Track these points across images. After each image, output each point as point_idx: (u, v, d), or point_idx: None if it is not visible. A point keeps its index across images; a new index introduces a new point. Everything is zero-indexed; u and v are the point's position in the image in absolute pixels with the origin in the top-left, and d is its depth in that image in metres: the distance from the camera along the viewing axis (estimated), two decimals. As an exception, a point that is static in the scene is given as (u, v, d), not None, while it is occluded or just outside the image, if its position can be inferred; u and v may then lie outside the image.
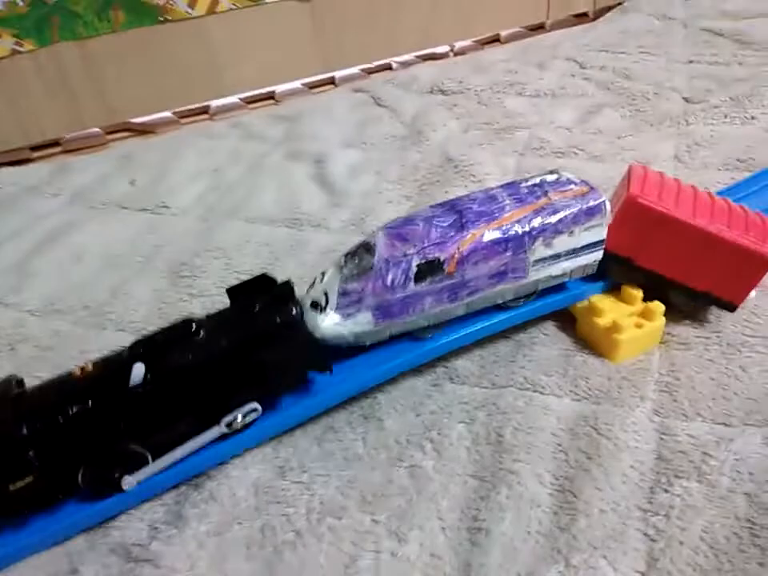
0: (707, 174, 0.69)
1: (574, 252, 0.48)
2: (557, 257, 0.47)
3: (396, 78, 0.98)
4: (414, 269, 0.44)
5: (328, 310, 0.44)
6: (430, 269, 0.44)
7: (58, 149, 0.95)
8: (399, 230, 0.46)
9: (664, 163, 0.71)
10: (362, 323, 0.44)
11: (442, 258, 0.44)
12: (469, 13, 1.13)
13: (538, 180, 0.49)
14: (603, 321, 0.50)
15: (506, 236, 0.45)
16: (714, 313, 0.52)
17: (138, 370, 0.39)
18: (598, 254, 0.49)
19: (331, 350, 0.45)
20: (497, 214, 0.46)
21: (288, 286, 0.43)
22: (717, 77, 0.89)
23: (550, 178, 0.49)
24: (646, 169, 0.52)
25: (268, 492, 0.42)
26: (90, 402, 0.38)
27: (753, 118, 0.78)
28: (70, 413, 0.38)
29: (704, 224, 0.47)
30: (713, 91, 0.85)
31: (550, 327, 0.53)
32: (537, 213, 0.46)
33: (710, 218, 0.48)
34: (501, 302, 0.49)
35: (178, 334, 0.40)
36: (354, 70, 1.09)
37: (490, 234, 0.45)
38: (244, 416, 0.42)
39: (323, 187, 0.74)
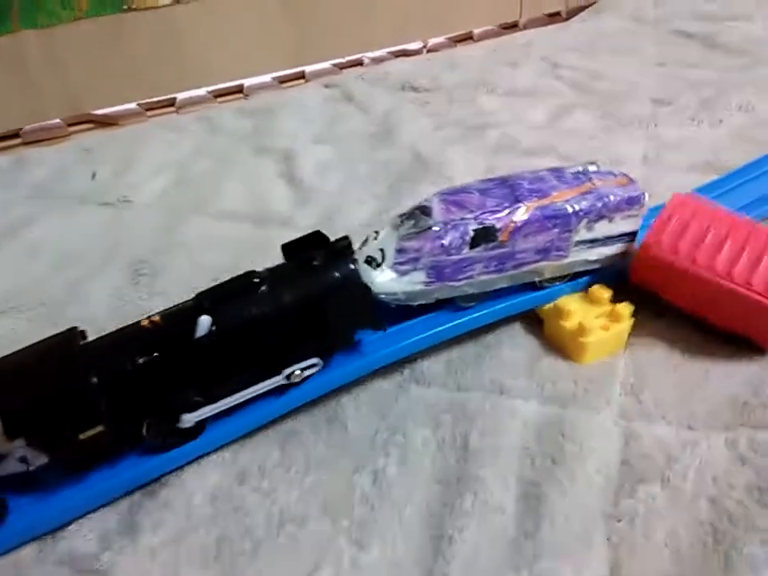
0: (675, 176, 0.69)
1: (610, 239, 0.50)
2: (595, 241, 0.50)
3: (367, 73, 0.97)
4: (471, 233, 0.46)
5: (384, 266, 0.45)
6: (484, 235, 0.46)
7: (17, 140, 0.91)
8: (454, 197, 0.48)
9: (632, 165, 0.71)
10: (415, 282, 0.45)
11: (497, 226, 0.46)
12: (442, 10, 1.12)
13: (581, 168, 0.52)
14: (570, 323, 0.49)
15: (555, 213, 0.47)
16: (681, 317, 0.52)
17: (205, 322, 0.39)
18: (630, 245, 0.51)
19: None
20: (547, 192, 0.48)
21: (346, 240, 0.44)
22: (686, 79, 0.89)
23: (592, 167, 0.52)
24: (685, 200, 0.51)
25: (226, 499, 0.41)
26: (157, 352, 0.38)
27: (721, 120, 0.79)
28: (139, 362, 0.38)
29: (711, 274, 0.46)
30: (682, 93, 0.85)
31: (517, 329, 0.53)
32: (583, 195, 0.48)
33: (729, 261, 0.46)
34: (538, 279, 0.50)
35: (242, 286, 0.41)
36: (326, 64, 1.07)
37: (542, 209, 0.47)
38: (304, 369, 0.43)
39: (291, 184, 0.73)
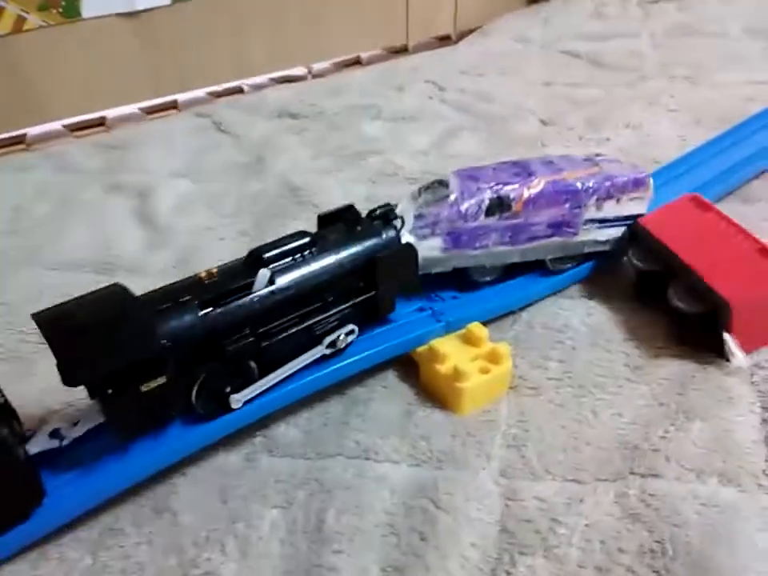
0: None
1: (617, 220, 0.53)
2: (604, 221, 0.53)
3: (242, 101, 0.92)
4: (486, 201, 0.48)
5: (403, 231, 0.47)
6: (499, 204, 0.49)
7: None
8: (470, 173, 0.51)
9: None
10: (432, 248, 0.48)
11: (511, 196, 0.49)
12: (326, 34, 1.09)
13: (587, 156, 0.56)
14: (445, 367, 0.45)
15: (567, 188, 0.50)
16: (566, 351, 0.49)
17: (263, 277, 0.40)
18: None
19: None
20: (559, 170, 0.52)
21: (389, 206, 0.46)
22: (572, 98, 0.89)
23: (599, 157, 0.56)
24: (693, 200, 0.54)
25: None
26: (216, 305, 0.38)
27: (607, 139, 0.78)
28: (199, 314, 0.38)
29: (684, 257, 0.49)
30: (568, 113, 0.85)
31: (390, 377, 0.48)
32: (592, 176, 0.52)
33: (705, 255, 0.48)
34: (550, 258, 0.53)
35: (296, 244, 0.42)
36: (200, 93, 1.02)
37: (554, 184, 0.50)
38: (345, 336, 0.44)
39: (144, 225, 0.66)
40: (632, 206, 0.53)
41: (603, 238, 0.54)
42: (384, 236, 0.45)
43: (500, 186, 0.49)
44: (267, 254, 0.41)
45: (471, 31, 1.20)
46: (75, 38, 0.87)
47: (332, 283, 0.42)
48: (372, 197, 0.69)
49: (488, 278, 0.52)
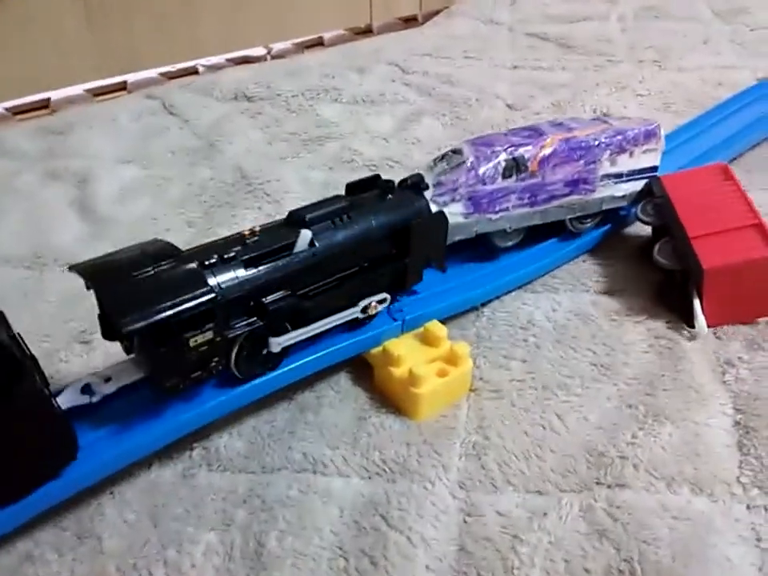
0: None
1: (632, 174, 0.53)
2: (620, 176, 0.53)
3: (195, 82, 0.86)
4: (503, 163, 0.48)
5: None
6: (515, 165, 0.49)
7: None
8: (484, 140, 0.51)
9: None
10: (454, 214, 0.47)
11: (526, 156, 0.49)
12: (286, 13, 1.03)
13: (596, 116, 0.59)
14: (400, 370, 0.41)
15: (579, 144, 0.51)
16: (529, 349, 0.46)
17: (305, 237, 0.40)
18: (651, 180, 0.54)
19: None
20: (570, 129, 0.52)
21: (419, 176, 0.46)
22: (540, 82, 0.86)
23: (607, 117, 0.58)
24: (722, 170, 0.53)
25: None
26: (260, 263, 0.38)
27: (575, 124, 0.75)
28: (245, 270, 0.38)
29: (683, 217, 0.49)
30: (535, 97, 0.81)
31: (342, 381, 0.44)
32: (603, 132, 0.52)
33: (703, 220, 0.49)
34: (570, 217, 0.53)
35: (334, 207, 0.42)
36: (152, 74, 0.96)
37: (567, 142, 0.51)
38: (378, 303, 0.43)
39: (83, 214, 0.61)
40: (645, 158, 0.53)
41: (620, 194, 0.54)
42: (416, 204, 0.45)
43: (514, 148, 0.49)
44: (308, 216, 0.41)
45: (437, 12, 1.16)
46: (17, 14, 0.80)
47: (367, 248, 0.43)
48: (329, 184, 0.65)
49: (510, 243, 0.52)
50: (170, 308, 0.34)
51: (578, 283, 0.52)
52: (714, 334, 0.47)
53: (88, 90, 0.91)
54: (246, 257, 0.38)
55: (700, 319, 0.46)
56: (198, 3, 0.95)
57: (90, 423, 0.36)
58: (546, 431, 0.40)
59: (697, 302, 0.47)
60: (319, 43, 1.10)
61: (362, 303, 0.43)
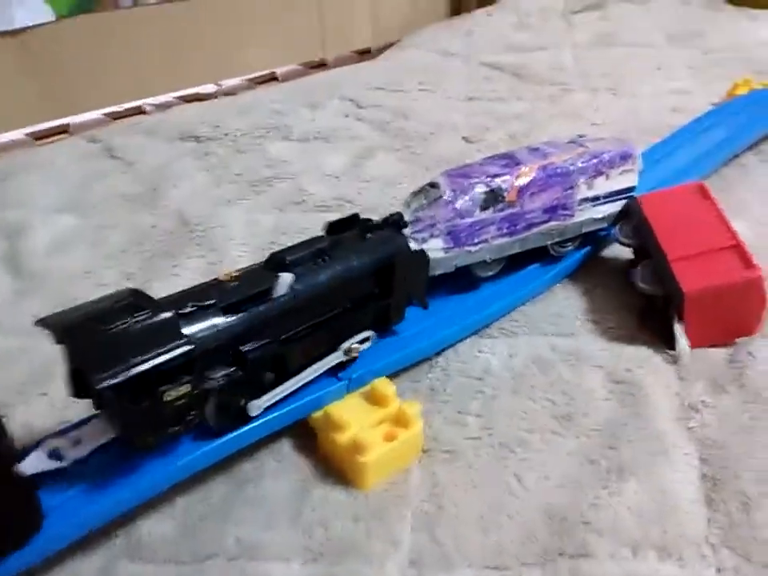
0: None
1: (610, 195, 0.53)
2: (597, 198, 0.53)
3: (140, 123, 0.84)
4: (480, 195, 0.48)
5: None
6: (493, 197, 0.49)
7: None
8: (460, 171, 0.51)
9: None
10: (434, 249, 0.47)
11: (503, 187, 0.49)
12: (235, 47, 1.02)
13: (571, 138, 0.57)
14: (344, 437, 0.39)
15: (556, 171, 0.51)
16: (486, 402, 0.43)
17: (285, 280, 0.39)
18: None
19: None
20: (546, 155, 0.52)
21: (399, 214, 0.46)
22: (496, 113, 0.85)
23: (582, 138, 0.56)
24: (699, 189, 0.53)
25: None
26: (239, 310, 0.37)
27: (531, 156, 0.74)
28: (223, 319, 0.36)
29: (662, 239, 0.49)
30: (491, 129, 0.80)
31: (285, 449, 0.41)
32: (579, 156, 0.52)
33: (683, 241, 0.48)
34: (550, 243, 0.53)
35: (314, 248, 0.41)
36: (96, 114, 0.93)
37: (544, 169, 0.51)
38: (360, 343, 0.42)
39: (11, 270, 0.58)
40: (622, 179, 0.54)
41: (599, 216, 0.54)
42: (397, 242, 0.44)
43: (491, 179, 0.49)
44: (288, 258, 0.40)
45: (392, 44, 1.16)
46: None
47: (349, 289, 0.42)
48: (278, 228, 0.63)
49: (490, 273, 0.52)
50: (146, 362, 0.32)
51: (535, 326, 0.50)
52: (678, 374, 0.45)
53: (29, 134, 0.89)
54: (224, 304, 0.37)
55: (681, 342, 0.46)
56: (144, 40, 0.93)
57: (55, 485, 0.34)
58: (503, 495, 0.38)
59: (677, 325, 0.46)
60: (272, 78, 1.09)
61: (344, 346, 0.42)
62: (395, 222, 0.46)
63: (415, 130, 0.81)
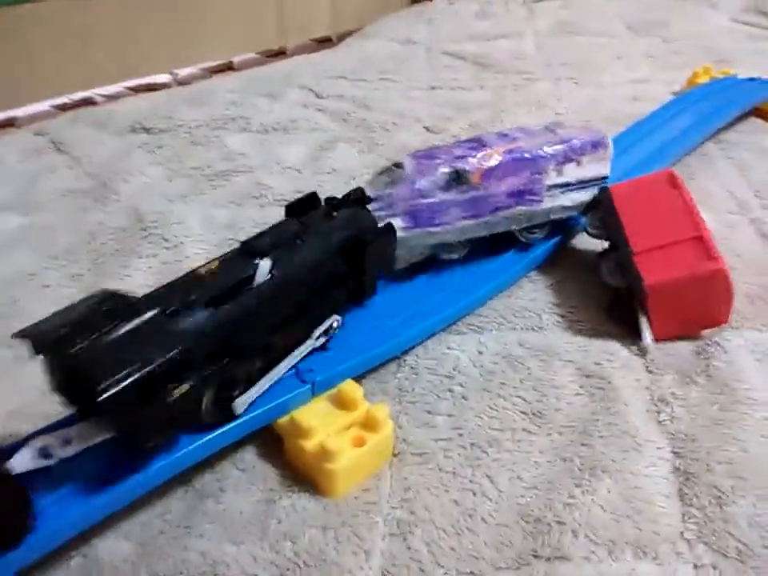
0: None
1: (581, 183, 0.53)
2: (567, 185, 0.52)
3: (88, 115, 0.80)
4: (443, 176, 0.48)
5: None
6: (456, 178, 0.48)
7: None
8: (426, 153, 0.51)
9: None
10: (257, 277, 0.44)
11: (468, 168, 0.49)
12: (191, 35, 0.99)
13: (544, 125, 0.56)
14: (311, 443, 0.37)
15: (524, 155, 0.50)
16: (456, 401, 0.42)
17: (265, 267, 0.38)
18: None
19: None
20: (515, 140, 0.52)
21: (361, 190, 0.46)
22: (458, 103, 0.84)
23: (553, 123, 0.56)
24: (669, 177, 0.52)
25: None
26: (224, 302, 0.36)
27: (495, 146, 0.73)
28: (209, 313, 0.36)
29: (630, 237, 0.48)
30: (453, 119, 0.79)
31: (248, 457, 0.39)
32: (549, 142, 0.52)
33: (650, 232, 0.48)
34: (517, 228, 0.52)
35: (288, 231, 0.41)
36: (44, 106, 0.89)
37: (512, 153, 0.50)
38: (330, 327, 0.42)
39: (-51, 275, 0.54)
40: (593, 167, 0.53)
41: (569, 203, 0.53)
42: (365, 219, 0.44)
43: (456, 160, 0.49)
44: (263, 243, 0.39)
45: (352, 33, 1.14)
46: None
47: (325, 268, 0.42)
48: (235, 224, 0.60)
49: (455, 256, 0.51)
50: (144, 366, 0.32)
51: (504, 320, 0.49)
52: (646, 367, 0.45)
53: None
54: (207, 298, 0.36)
55: (646, 334, 0.46)
56: (94, 28, 0.89)
57: (43, 484, 0.33)
58: (476, 497, 0.37)
59: (642, 318, 0.46)
60: (229, 68, 1.06)
61: (316, 333, 0.41)
62: (359, 199, 0.45)
63: (377, 120, 0.79)
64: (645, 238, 0.48)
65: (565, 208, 0.53)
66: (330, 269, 0.42)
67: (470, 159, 0.49)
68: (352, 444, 0.37)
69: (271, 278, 0.38)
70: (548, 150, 0.51)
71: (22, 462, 0.33)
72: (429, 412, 0.42)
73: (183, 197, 0.64)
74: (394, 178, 0.48)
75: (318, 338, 0.42)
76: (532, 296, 0.52)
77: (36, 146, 0.74)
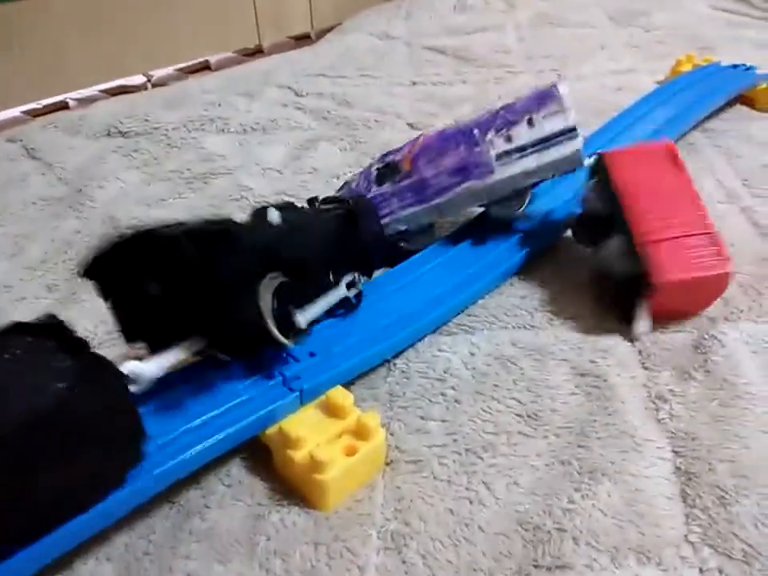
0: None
1: (541, 143, 0.49)
2: (523, 150, 0.49)
3: (60, 119, 0.78)
4: (375, 172, 0.51)
5: None
6: (387, 170, 0.51)
7: None
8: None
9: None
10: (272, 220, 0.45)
11: (396, 159, 0.51)
12: (164, 35, 0.97)
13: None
14: (300, 454, 0.36)
15: (454, 132, 0.50)
16: (449, 405, 0.41)
17: (273, 212, 0.40)
18: (575, 144, 0.49)
19: None
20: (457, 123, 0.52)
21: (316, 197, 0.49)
22: (441, 98, 0.83)
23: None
24: (669, 150, 0.50)
25: None
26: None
27: (479, 141, 0.72)
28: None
29: (640, 225, 0.46)
30: (437, 114, 0.78)
31: (234, 471, 0.38)
32: (484, 114, 0.51)
33: (661, 222, 0.46)
34: (482, 205, 0.52)
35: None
36: (15, 112, 0.86)
37: (440, 133, 0.51)
38: (355, 280, 0.44)
39: None
40: (550, 123, 0.49)
41: (533, 166, 0.50)
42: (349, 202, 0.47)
43: (387, 155, 0.52)
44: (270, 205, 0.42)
45: (331, 29, 1.12)
46: None
47: (327, 227, 0.44)
48: (217, 228, 0.59)
49: (419, 245, 0.52)
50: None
51: (495, 319, 0.48)
52: (642, 364, 0.44)
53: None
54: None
55: (642, 323, 0.45)
56: (65, 29, 0.87)
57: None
58: (473, 506, 0.36)
59: (643, 307, 0.45)
60: (205, 67, 1.04)
61: (345, 279, 0.44)
62: (326, 200, 0.48)
63: (358, 117, 0.78)
64: (653, 224, 0.46)
65: (530, 173, 0.50)
66: (332, 227, 0.44)
67: (400, 151, 0.51)
68: (343, 453, 0.36)
69: (284, 222, 0.40)
70: (482, 119, 0.50)
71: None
72: (422, 417, 0.41)
73: (161, 202, 0.62)
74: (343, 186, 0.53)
75: (347, 286, 0.43)
76: (522, 293, 0.51)
77: (8, 153, 0.72)
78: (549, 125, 0.49)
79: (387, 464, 0.38)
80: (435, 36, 1.03)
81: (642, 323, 0.45)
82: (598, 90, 0.83)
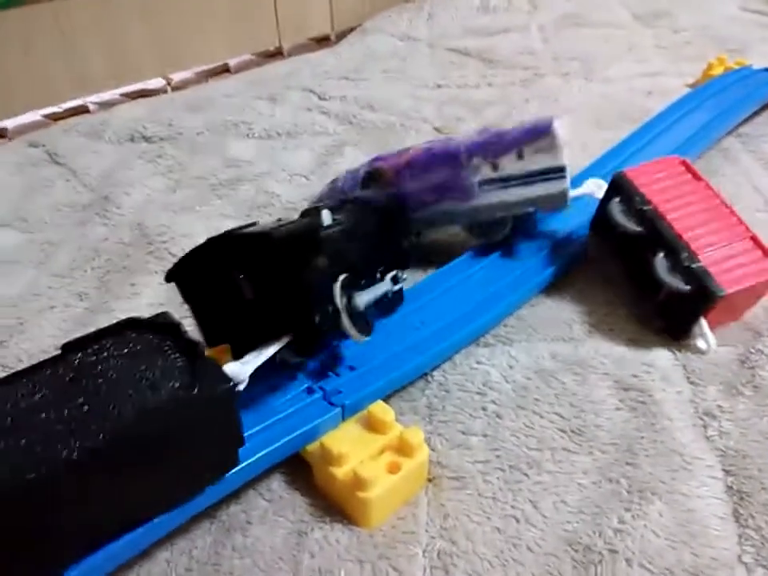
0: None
1: (527, 177, 0.49)
2: (506, 180, 0.49)
3: (83, 123, 0.78)
4: (362, 175, 0.52)
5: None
6: (374, 177, 0.51)
7: None
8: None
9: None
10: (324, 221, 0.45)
11: (384, 167, 0.52)
12: (184, 38, 0.97)
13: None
14: (342, 471, 0.36)
15: (441, 150, 0.50)
16: (490, 420, 0.41)
17: (326, 213, 0.41)
18: (561, 183, 0.48)
19: None
20: (449, 140, 0.51)
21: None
22: (467, 101, 0.83)
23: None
24: (682, 164, 0.50)
25: None
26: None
27: (508, 146, 0.72)
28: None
29: (689, 242, 0.45)
30: (464, 119, 0.78)
31: (275, 487, 0.38)
32: (479, 136, 0.50)
33: (705, 234, 0.46)
34: (455, 224, 0.53)
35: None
36: (35, 116, 0.87)
37: (429, 150, 0.51)
38: (398, 275, 0.44)
39: (-53, 297, 0.52)
40: (540, 159, 0.48)
41: (515, 198, 0.49)
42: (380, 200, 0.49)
43: (376, 162, 0.52)
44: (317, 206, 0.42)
45: (352, 30, 1.12)
46: None
47: (370, 224, 0.44)
48: (245, 235, 0.59)
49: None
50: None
51: (533, 331, 0.48)
52: (687, 378, 0.44)
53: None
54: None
55: (709, 338, 0.44)
56: (84, 32, 0.87)
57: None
58: (520, 524, 0.35)
59: (703, 322, 0.44)
60: (225, 70, 1.04)
61: (390, 274, 0.44)
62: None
63: (383, 121, 0.78)
64: (700, 239, 0.46)
65: (511, 204, 0.49)
66: (372, 227, 0.45)
67: (389, 161, 0.51)
68: (386, 470, 0.36)
69: (336, 224, 0.40)
70: (472, 143, 0.49)
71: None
72: (463, 432, 0.41)
73: (188, 208, 0.62)
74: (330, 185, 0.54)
75: (392, 280, 0.43)
76: (558, 306, 0.50)
77: (30, 158, 0.72)
78: (538, 160, 0.48)
79: (430, 480, 0.38)
80: (458, 37, 1.03)
81: (707, 339, 0.45)
82: (627, 93, 0.83)
